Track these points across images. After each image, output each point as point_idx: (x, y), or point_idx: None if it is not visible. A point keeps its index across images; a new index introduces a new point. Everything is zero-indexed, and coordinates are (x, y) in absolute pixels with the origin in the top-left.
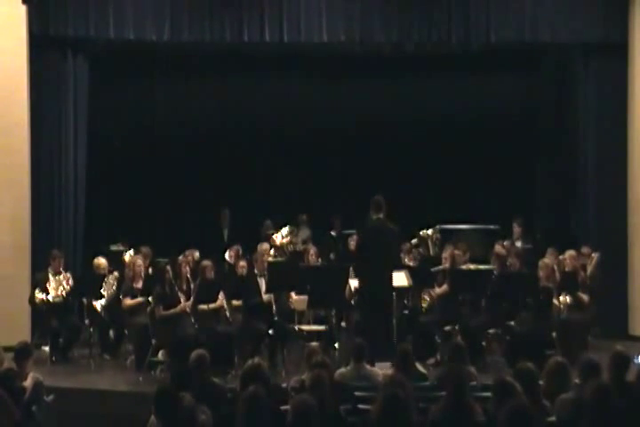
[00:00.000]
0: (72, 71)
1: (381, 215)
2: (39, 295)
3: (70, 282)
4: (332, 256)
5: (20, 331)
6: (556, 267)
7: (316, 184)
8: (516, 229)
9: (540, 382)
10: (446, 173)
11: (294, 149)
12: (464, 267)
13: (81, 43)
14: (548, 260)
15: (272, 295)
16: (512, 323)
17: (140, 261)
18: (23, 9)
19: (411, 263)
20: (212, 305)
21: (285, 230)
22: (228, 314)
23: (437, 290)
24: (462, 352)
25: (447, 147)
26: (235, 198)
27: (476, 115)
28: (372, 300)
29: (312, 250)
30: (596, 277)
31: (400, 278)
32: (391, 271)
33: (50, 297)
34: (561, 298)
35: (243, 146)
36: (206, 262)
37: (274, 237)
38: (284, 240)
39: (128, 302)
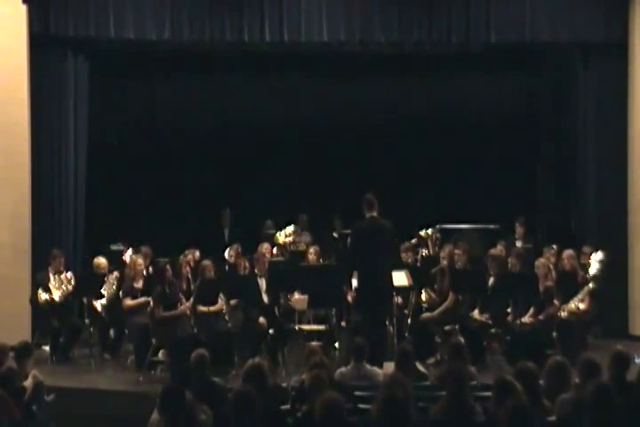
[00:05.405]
0: (72, 71)
1: (375, 213)
2: (43, 296)
3: (73, 282)
4: (332, 256)
5: (21, 331)
6: (551, 266)
7: (315, 184)
8: (519, 230)
9: (541, 382)
10: (446, 173)
11: (294, 149)
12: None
13: (81, 42)
14: (544, 259)
15: (272, 295)
16: (512, 323)
17: (140, 261)
18: (23, 8)
19: (410, 262)
20: (212, 308)
21: (290, 229)
22: (227, 314)
23: (445, 304)
24: (462, 352)
25: (447, 147)
26: (235, 198)
27: (476, 115)
28: (369, 299)
29: (312, 250)
30: (598, 277)
31: (400, 278)
32: (390, 270)
33: (56, 297)
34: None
35: (243, 146)
36: (207, 262)
37: (277, 235)
38: (287, 239)
39: (128, 301)
